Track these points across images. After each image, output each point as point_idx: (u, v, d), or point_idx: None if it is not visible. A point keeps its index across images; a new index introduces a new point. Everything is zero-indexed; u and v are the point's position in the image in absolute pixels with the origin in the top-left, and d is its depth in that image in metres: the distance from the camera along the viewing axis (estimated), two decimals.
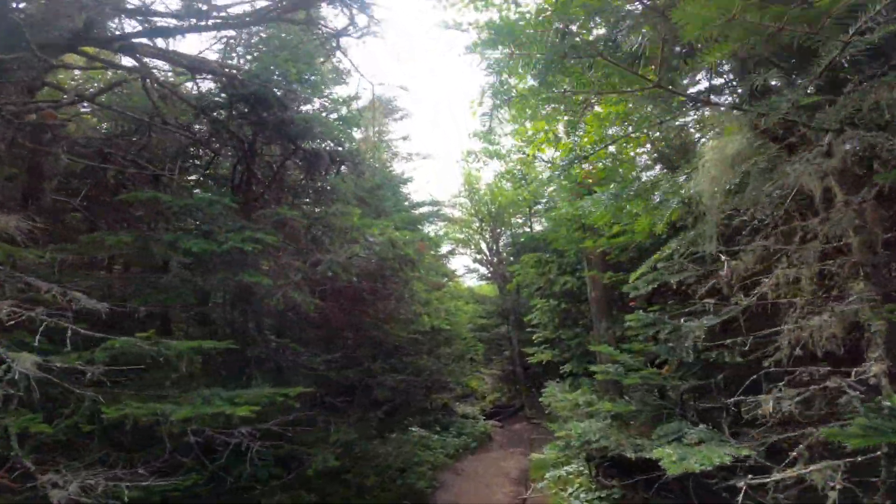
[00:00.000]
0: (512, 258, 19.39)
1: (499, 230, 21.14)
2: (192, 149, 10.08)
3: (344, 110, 10.46)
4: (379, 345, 9.40)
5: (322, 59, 8.22)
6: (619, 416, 4.90)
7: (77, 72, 10.14)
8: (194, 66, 9.20)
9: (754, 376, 3.57)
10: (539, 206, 21.49)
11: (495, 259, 21.20)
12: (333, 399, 7.71)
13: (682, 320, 4.25)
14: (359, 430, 8.42)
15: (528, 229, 21.57)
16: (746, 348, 3.94)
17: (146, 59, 8.94)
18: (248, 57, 10.20)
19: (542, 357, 9.35)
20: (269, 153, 9.75)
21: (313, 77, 9.86)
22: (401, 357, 9.47)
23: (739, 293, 4.21)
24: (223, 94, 9.21)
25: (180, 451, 4.71)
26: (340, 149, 9.30)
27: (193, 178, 10.56)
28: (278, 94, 8.73)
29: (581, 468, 7.42)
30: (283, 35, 9.75)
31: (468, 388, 17.98)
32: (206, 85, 9.87)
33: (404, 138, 18.53)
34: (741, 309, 3.62)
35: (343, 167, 10.53)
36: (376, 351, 8.97)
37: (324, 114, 9.23)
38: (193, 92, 9.72)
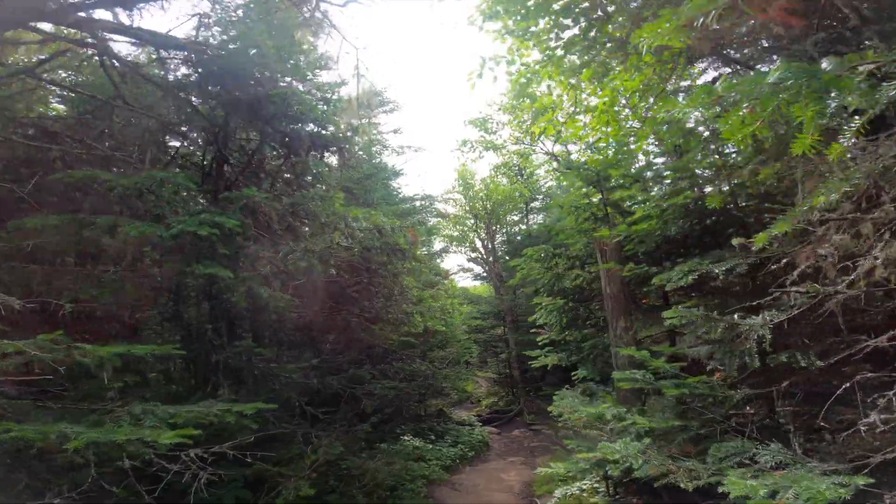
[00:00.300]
0: (507, 257, 18.56)
1: (494, 227, 20.30)
2: (159, 135, 9.18)
3: (329, 94, 9.63)
4: (367, 348, 8.50)
5: (300, 20, 7.30)
6: (650, 433, 4.05)
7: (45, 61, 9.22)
8: (159, 42, 8.28)
9: (847, 384, 2.75)
10: (536, 203, 20.76)
11: (491, 258, 20.35)
12: (315, 410, 6.79)
13: (735, 316, 3.43)
14: (344, 443, 7.52)
15: (523, 227, 20.80)
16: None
17: (107, 36, 8.07)
18: (225, 38, 9.30)
19: (546, 361, 8.50)
20: (245, 137, 8.85)
21: (294, 57, 9.02)
22: (391, 362, 8.55)
23: (808, 280, 3.38)
24: (192, 73, 8.34)
25: (111, 478, 3.78)
26: (324, 132, 8.40)
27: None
28: (253, 71, 7.86)
29: (596, 485, 6.57)
30: (265, 18, 8.86)
31: (464, 394, 17.10)
32: (175, 65, 9.00)
33: (395, 131, 17.72)
34: (842, 298, 2.79)
35: (327, 153, 9.65)
36: (363, 355, 8.06)
37: (303, 91, 8.35)
38: (163, 73, 8.82)
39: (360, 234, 5.64)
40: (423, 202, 15.57)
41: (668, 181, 5.48)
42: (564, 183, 16.94)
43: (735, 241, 3.30)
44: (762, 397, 3.84)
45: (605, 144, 7.96)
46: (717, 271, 3.78)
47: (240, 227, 4.67)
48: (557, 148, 16.28)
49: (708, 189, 6.53)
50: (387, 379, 8.35)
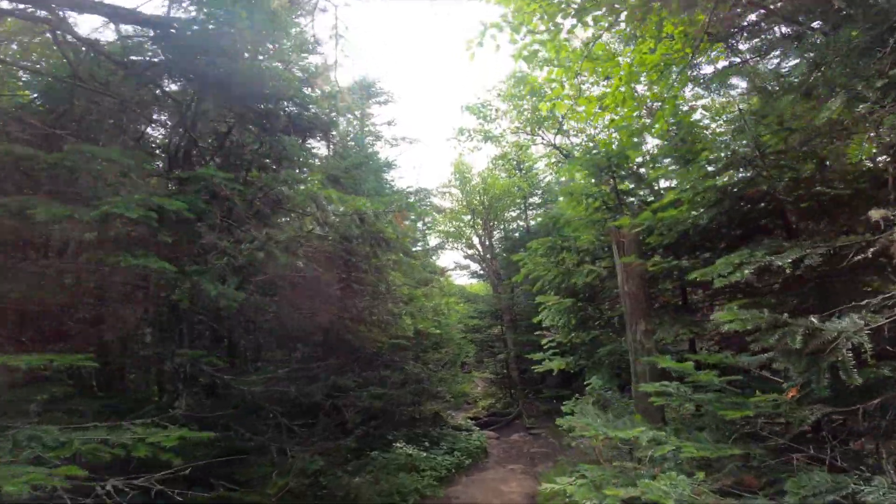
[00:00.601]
0: (505, 254, 17.79)
1: (492, 223, 19.48)
2: (124, 117, 8.34)
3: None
4: (353, 351, 7.67)
5: None
6: (693, 461, 3.28)
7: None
8: (122, 17, 7.43)
9: None
10: (535, 199, 19.95)
11: (488, 255, 19.55)
12: (291, 422, 5.97)
13: (811, 319, 2.65)
14: (326, 456, 6.72)
15: (521, 223, 20.02)
16: None
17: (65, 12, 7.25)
18: (201, 16, 8.44)
19: (552, 365, 7.70)
20: (216, 118, 8.01)
21: (274, 34, 8.21)
22: (379, 368, 7.72)
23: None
24: (159, 49, 7.53)
25: None
26: (305, 113, 7.57)
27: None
28: (225, 48, 7.06)
29: None
30: None
31: (461, 397, 16.29)
32: (143, 42, 8.18)
33: (389, 123, 16.87)
34: None
35: (312, 140, 8.82)
36: (348, 360, 7.23)
37: (282, 69, 7.53)
38: (127, 51, 7.99)
39: (337, 220, 4.82)
40: (417, 195, 14.78)
41: (702, 161, 4.71)
42: (563, 178, 16.18)
43: (874, 214, 2.51)
44: (833, 417, 3.07)
45: (618, 127, 7.18)
46: (779, 263, 3.00)
47: (188, 209, 3.86)
48: (559, 140, 15.49)
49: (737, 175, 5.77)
50: (374, 386, 7.52)
